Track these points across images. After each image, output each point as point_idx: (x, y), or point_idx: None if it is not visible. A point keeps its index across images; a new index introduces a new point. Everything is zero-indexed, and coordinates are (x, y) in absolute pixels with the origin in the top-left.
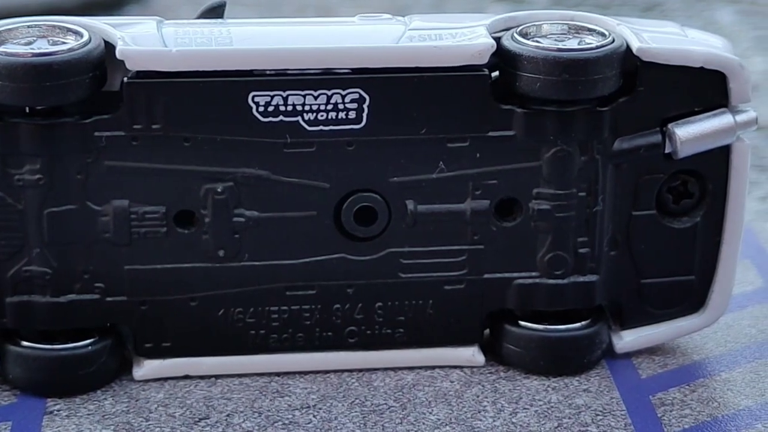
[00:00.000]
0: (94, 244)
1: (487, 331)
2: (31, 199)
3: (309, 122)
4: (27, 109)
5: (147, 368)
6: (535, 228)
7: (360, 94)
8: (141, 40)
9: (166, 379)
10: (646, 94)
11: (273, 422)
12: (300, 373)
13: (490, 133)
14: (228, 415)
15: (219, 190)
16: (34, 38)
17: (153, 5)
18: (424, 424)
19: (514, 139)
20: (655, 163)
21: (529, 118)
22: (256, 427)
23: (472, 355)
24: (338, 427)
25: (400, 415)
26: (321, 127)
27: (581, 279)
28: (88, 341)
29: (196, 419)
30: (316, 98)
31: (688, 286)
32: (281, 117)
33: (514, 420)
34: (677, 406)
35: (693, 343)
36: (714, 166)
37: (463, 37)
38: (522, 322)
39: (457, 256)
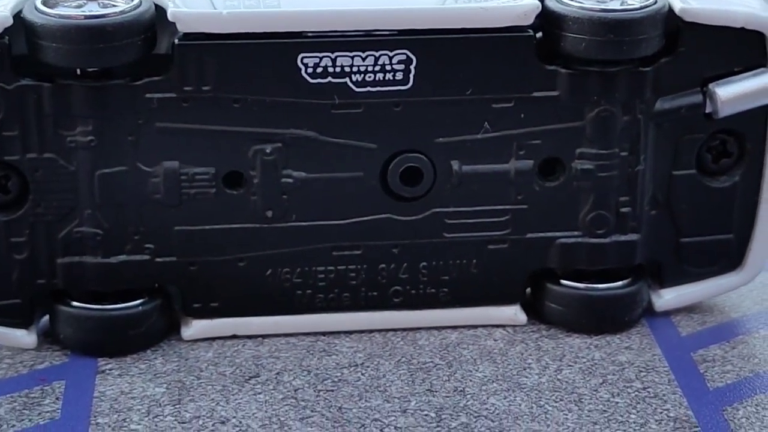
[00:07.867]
0: (144, 206)
1: (528, 289)
2: (82, 161)
3: (357, 83)
4: (78, 71)
5: (195, 328)
6: (577, 188)
7: (407, 56)
8: (191, 3)
9: (214, 338)
10: (687, 54)
11: (322, 380)
12: (345, 332)
13: (535, 94)
14: (278, 373)
15: (268, 151)
16: (85, 1)
17: None
18: (471, 380)
19: (557, 100)
20: (696, 122)
21: (573, 78)
22: (306, 385)
23: (514, 313)
24: (387, 385)
25: (447, 373)
26: (369, 88)
27: (622, 238)
28: (137, 302)
29: (247, 377)
30: (364, 60)
31: (726, 244)
32: (329, 78)
33: (559, 377)
34: (719, 362)
35: (730, 301)
36: (753, 126)
37: None
38: (563, 281)
39: (500, 216)
